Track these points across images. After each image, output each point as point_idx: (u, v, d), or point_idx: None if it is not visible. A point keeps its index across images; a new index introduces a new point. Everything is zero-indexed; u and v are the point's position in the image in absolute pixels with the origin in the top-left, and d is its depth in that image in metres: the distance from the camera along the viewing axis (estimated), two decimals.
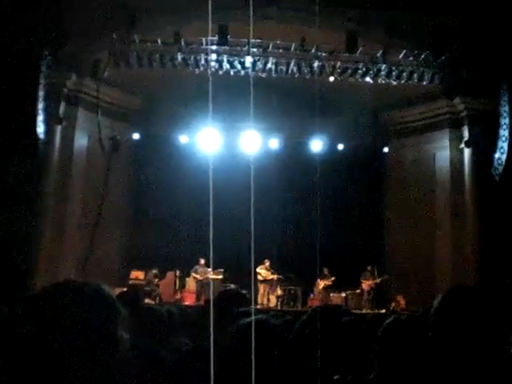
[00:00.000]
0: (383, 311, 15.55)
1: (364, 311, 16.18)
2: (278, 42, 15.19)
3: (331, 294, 16.90)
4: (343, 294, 16.94)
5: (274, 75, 15.69)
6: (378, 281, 16.87)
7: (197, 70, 15.35)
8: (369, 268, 17.04)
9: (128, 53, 15.10)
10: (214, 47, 14.92)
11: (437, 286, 16.17)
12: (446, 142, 17.78)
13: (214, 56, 15.19)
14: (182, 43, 14.91)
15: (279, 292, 16.87)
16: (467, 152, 16.93)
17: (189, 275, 16.71)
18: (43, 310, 1.46)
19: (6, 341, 1.45)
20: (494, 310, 1.64)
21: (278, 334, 2.03)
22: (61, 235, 15.70)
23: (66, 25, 14.80)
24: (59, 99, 15.72)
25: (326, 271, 16.90)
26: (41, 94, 14.36)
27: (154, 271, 16.36)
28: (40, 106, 14.34)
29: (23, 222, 13.94)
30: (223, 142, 17.24)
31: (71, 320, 1.43)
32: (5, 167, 13.78)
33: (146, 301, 14.80)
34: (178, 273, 16.83)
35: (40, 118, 14.39)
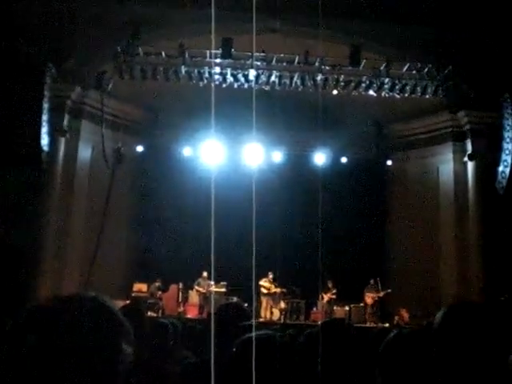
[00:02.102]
0: (387, 325, 15.48)
1: (367, 325, 16.12)
2: (282, 55, 15.25)
3: (334, 308, 16.83)
4: (346, 308, 16.86)
5: (277, 88, 15.72)
6: (382, 294, 16.79)
7: (201, 82, 15.40)
8: (372, 281, 16.96)
9: (132, 65, 15.16)
10: (217, 60, 14.97)
11: (441, 299, 16.10)
12: (450, 155, 17.78)
13: (217, 69, 15.23)
14: (186, 56, 14.96)
15: (282, 305, 16.78)
16: (471, 165, 16.91)
17: (192, 288, 16.66)
18: (45, 321, 1.46)
19: (8, 352, 1.45)
20: (496, 327, 1.63)
21: (282, 350, 2.01)
22: (64, 247, 15.69)
23: (70, 37, 14.89)
24: (63, 111, 15.76)
25: (330, 284, 16.83)
26: (45, 105, 14.43)
27: (157, 284, 16.34)
28: (44, 117, 14.40)
29: (27, 233, 13.95)
30: (226, 155, 17.26)
31: (73, 332, 1.43)
32: (9, 178, 13.80)
33: (149, 313, 14.80)
34: (180, 286, 16.79)
35: (44, 129, 14.44)
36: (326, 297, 16.84)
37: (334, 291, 16.82)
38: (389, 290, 16.78)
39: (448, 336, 1.66)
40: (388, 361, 2.41)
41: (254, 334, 1.99)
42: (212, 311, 9.06)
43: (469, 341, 1.61)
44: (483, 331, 1.61)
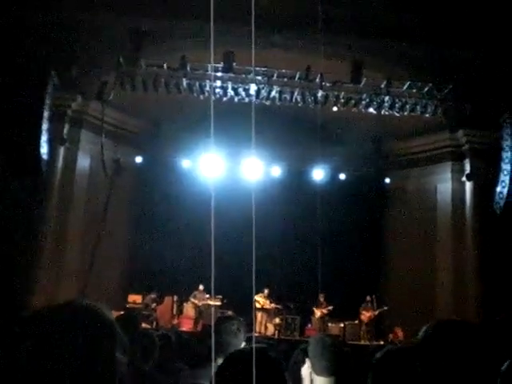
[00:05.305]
0: (381, 342, 15.44)
1: (362, 342, 16.07)
2: (283, 70, 15.28)
3: (329, 324, 16.77)
4: (341, 324, 16.80)
5: (277, 103, 15.74)
6: (377, 312, 16.76)
7: (201, 95, 15.41)
8: (368, 298, 16.93)
9: (134, 76, 15.19)
10: (219, 74, 15.00)
11: (436, 317, 16.04)
12: (448, 175, 17.81)
13: (218, 82, 15.26)
14: (188, 69, 14.99)
15: (277, 321, 16.72)
16: (469, 185, 16.94)
17: (187, 300, 16.62)
18: (41, 329, 1.46)
19: (3, 360, 1.45)
20: (479, 347, 1.61)
21: (276, 364, 2.00)
22: (61, 256, 15.65)
23: (73, 47, 14.94)
24: (64, 120, 15.79)
25: (321, 298, 16.74)
26: (46, 114, 14.43)
27: (152, 295, 16.29)
28: (44, 126, 14.40)
29: (24, 240, 13.93)
30: (225, 168, 17.24)
31: (68, 341, 1.43)
32: (7, 187, 13.79)
33: (143, 325, 14.73)
34: (176, 298, 16.74)
35: (44, 138, 14.43)
36: (319, 311, 16.77)
37: (329, 307, 16.76)
38: (385, 308, 16.75)
39: (430, 352, 1.65)
40: (379, 378, 2.40)
41: (254, 346, 1.99)
42: (212, 324, 9.03)
43: (450, 358, 1.60)
44: (466, 349, 1.60)
